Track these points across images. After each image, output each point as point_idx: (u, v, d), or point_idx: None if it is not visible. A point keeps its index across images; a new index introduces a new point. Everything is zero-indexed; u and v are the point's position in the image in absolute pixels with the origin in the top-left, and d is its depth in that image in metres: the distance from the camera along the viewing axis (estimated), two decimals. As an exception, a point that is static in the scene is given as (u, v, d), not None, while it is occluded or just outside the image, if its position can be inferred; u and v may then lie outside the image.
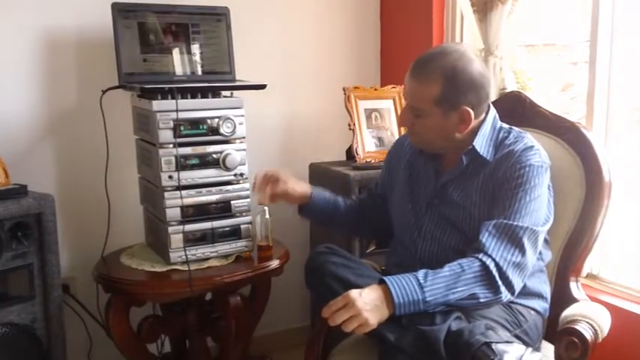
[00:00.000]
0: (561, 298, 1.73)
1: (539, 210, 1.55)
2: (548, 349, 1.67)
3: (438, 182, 1.69)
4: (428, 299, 1.43)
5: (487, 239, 1.50)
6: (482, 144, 1.62)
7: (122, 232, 2.32)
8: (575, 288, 1.75)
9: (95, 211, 2.30)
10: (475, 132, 1.63)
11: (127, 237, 2.33)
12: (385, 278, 1.45)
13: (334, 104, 2.63)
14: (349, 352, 1.74)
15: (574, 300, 1.70)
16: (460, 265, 1.47)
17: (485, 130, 1.64)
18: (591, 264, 2.06)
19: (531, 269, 1.57)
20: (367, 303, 1.41)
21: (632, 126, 2.04)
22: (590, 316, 1.55)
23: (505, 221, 1.51)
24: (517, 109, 1.89)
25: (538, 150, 1.60)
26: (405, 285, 1.43)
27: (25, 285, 1.91)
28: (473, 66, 1.57)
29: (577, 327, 1.50)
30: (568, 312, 1.60)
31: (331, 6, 2.79)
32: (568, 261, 1.76)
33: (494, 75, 2.25)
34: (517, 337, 1.54)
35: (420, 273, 1.46)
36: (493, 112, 1.68)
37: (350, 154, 2.53)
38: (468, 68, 1.56)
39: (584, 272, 1.98)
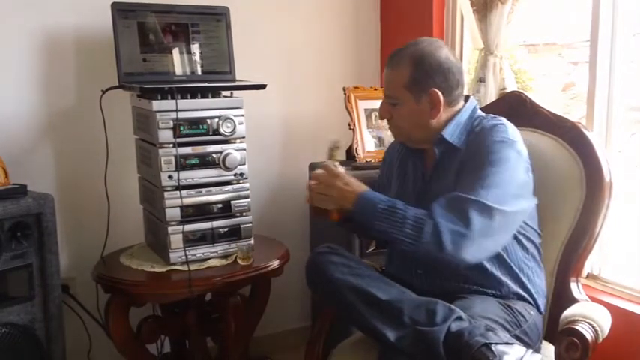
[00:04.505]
0: (562, 298, 1.74)
1: (500, 186, 1.52)
2: (548, 349, 1.67)
3: (424, 179, 1.72)
4: (375, 225, 1.54)
5: (436, 208, 1.51)
6: (452, 132, 1.65)
7: (122, 232, 2.32)
8: (575, 288, 1.75)
9: (95, 211, 2.30)
10: (450, 122, 1.66)
11: (126, 237, 2.33)
12: (368, 191, 1.60)
13: (334, 104, 2.63)
14: (349, 353, 1.74)
15: (574, 300, 1.70)
16: (414, 212, 1.52)
17: (460, 120, 1.66)
18: (592, 264, 2.06)
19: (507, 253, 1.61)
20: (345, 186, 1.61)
21: (632, 126, 2.04)
22: (590, 316, 1.55)
23: (456, 194, 1.52)
24: (517, 109, 1.90)
25: (504, 126, 1.61)
26: (372, 201, 1.57)
27: (24, 285, 1.91)
28: (441, 51, 1.65)
29: (577, 327, 1.50)
30: (568, 312, 1.59)
31: (331, 6, 2.79)
32: (568, 261, 1.76)
33: (494, 75, 2.26)
34: (517, 337, 1.53)
35: (387, 203, 1.55)
36: (473, 103, 1.71)
37: (350, 153, 2.52)
38: (435, 53, 1.64)
39: (584, 272, 1.99)
